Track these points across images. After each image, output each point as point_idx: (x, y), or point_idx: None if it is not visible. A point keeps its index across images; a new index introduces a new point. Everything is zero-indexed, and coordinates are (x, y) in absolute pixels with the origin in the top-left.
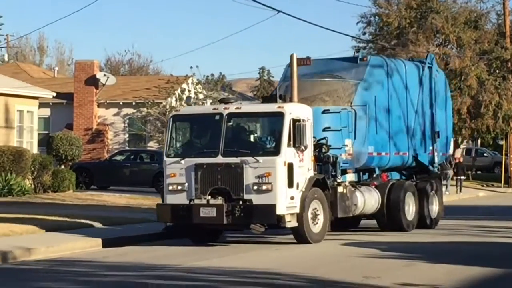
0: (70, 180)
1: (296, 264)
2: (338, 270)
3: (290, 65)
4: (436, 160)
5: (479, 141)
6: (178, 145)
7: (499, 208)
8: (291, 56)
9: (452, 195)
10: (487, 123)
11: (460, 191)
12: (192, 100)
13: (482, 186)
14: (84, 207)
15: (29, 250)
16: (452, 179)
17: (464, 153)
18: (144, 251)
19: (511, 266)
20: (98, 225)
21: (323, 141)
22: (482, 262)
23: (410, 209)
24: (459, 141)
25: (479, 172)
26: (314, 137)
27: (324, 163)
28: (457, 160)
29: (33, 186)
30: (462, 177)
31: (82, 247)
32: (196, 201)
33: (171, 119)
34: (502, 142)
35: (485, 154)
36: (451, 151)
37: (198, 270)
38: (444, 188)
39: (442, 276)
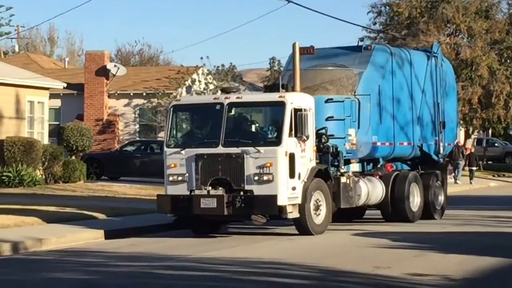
0: (81, 170)
1: (305, 255)
2: (347, 261)
3: (292, 54)
4: (442, 150)
5: (490, 131)
6: (178, 135)
7: (510, 198)
8: (294, 45)
9: (463, 185)
10: (498, 113)
11: (472, 181)
12: (193, 89)
13: (493, 176)
14: (94, 198)
15: (40, 240)
16: (463, 169)
17: (475, 143)
18: (154, 241)
19: None
20: (107, 216)
21: (323, 131)
22: (494, 252)
23: (415, 200)
24: (470, 131)
25: (490, 162)
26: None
27: (324, 153)
28: (468, 151)
29: (44, 176)
30: (474, 168)
31: (93, 237)
32: (197, 192)
33: (172, 109)
34: None
35: (496, 144)
36: (461, 142)
37: (208, 261)
38: (455, 178)
39: (453, 266)
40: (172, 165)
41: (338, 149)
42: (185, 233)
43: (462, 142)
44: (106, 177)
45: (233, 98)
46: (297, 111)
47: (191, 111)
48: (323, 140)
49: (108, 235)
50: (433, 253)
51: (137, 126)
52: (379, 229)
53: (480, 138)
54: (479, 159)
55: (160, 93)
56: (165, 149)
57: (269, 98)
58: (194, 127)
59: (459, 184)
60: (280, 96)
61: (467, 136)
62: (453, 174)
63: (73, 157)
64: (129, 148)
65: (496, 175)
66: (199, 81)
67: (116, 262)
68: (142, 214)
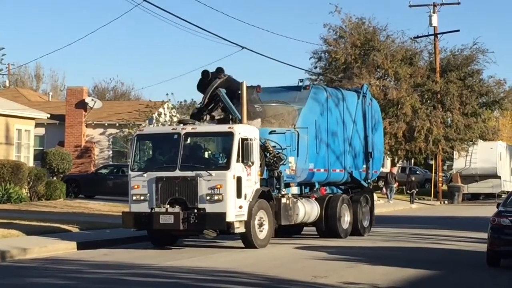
0: (61, 190)
1: (254, 265)
2: (290, 270)
3: (240, 92)
4: (369, 176)
5: (412, 160)
6: (141, 160)
7: (429, 218)
8: (241, 84)
9: (387, 206)
10: (420, 145)
11: (413, 202)
12: (154, 120)
13: (415, 199)
14: (73, 214)
15: (25, 250)
16: (405, 193)
17: (399, 171)
18: (124, 252)
19: (440, 268)
20: (84, 229)
21: (283, 155)
22: (416, 264)
23: (346, 219)
24: (396, 160)
25: None
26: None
27: (270, 177)
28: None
29: (29, 194)
30: (415, 190)
31: (71, 247)
32: (157, 210)
33: (136, 137)
34: (432, 162)
35: (417, 172)
36: (394, 170)
37: (171, 269)
38: (388, 199)
39: (381, 276)
40: (136, 186)
41: (282, 174)
42: (150, 245)
43: (390, 170)
44: (83, 195)
45: (188, 128)
46: (244, 140)
47: (152, 140)
48: (277, 165)
49: (81, 246)
50: (363, 265)
51: (111, 152)
52: (316, 244)
53: (404, 166)
54: (409, 184)
55: (131, 124)
56: (130, 172)
57: (220, 129)
58: (155, 154)
59: (391, 203)
60: (229, 127)
61: (393, 164)
62: (387, 195)
63: (55, 178)
64: (104, 171)
65: (417, 198)
66: (165, 114)
67: (91, 269)
68: (115, 228)
